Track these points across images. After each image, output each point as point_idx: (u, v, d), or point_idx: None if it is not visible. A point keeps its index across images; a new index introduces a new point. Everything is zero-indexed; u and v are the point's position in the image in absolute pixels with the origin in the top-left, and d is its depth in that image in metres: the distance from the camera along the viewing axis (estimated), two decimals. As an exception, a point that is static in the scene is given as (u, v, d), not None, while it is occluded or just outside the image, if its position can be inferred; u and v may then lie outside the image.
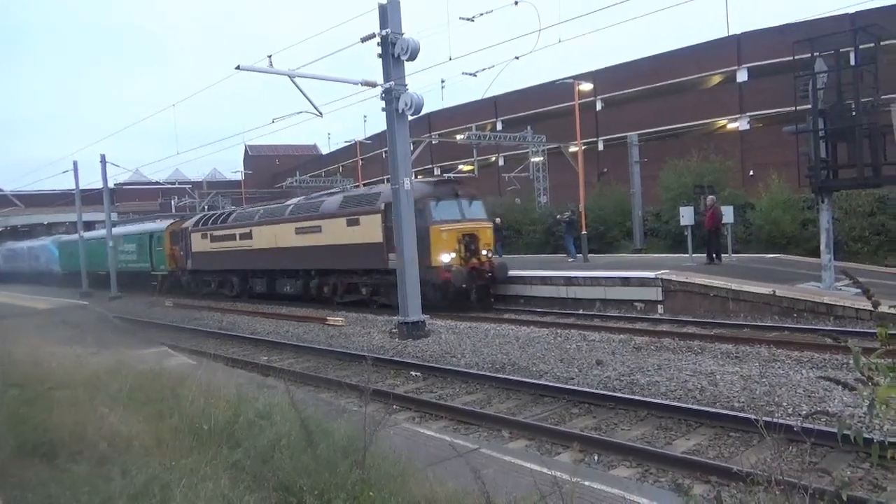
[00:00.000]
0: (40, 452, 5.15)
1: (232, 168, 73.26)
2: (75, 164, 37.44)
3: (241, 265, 26.23)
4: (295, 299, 23.79)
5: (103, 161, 34.06)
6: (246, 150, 79.26)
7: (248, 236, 25.35)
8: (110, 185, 37.01)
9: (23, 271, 52.91)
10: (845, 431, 2.17)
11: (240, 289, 26.99)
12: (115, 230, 37.10)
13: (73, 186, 38.24)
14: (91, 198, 43.22)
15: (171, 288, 32.13)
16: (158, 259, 32.93)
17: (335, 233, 20.88)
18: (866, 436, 2.16)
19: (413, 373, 11.55)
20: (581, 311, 16.99)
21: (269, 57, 14.89)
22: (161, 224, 34.81)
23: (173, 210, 54.67)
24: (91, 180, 41.91)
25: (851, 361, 2.14)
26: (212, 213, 31.23)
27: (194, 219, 31.16)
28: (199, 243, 28.70)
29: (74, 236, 41.44)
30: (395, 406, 9.33)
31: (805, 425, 5.91)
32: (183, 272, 30.69)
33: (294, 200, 25.30)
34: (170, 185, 58.37)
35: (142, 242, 34.57)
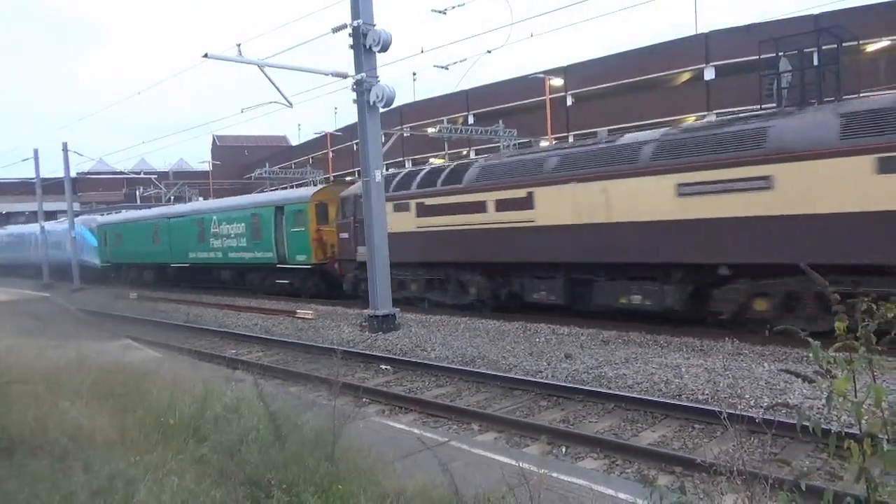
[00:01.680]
0: (-2, 448, 5.01)
1: (199, 158, 72.08)
2: (35, 151, 36.46)
3: (499, 254, 15.13)
4: (655, 321, 13.10)
5: (65, 149, 33.20)
6: (214, 141, 78.02)
7: (524, 204, 14.47)
8: (73, 174, 36.10)
9: (31, 263, 42.89)
10: (804, 423, 2.22)
11: (486, 294, 16.12)
12: (201, 205, 30.64)
13: (34, 175, 37.19)
14: (52, 187, 41.96)
15: (320, 291, 21.66)
16: (295, 245, 21.77)
17: (822, 190, 10.22)
18: (824, 427, 2.22)
19: (383, 366, 11.53)
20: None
21: (238, 46, 14.67)
22: (297, 193, 23.84)
23: (138, 201, 53.48)
24: (52, 169, 40.63)
25: (811, 355, 2.19)
26: (416, 170, 18.69)
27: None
28: (394, 220, 16.83)
29: (123, 216, 35.92)
30: (364, 399, 9.28)
31: (766, 417, 6.06)
32: (344, 266, 19.75)
33: (645, 135, 13.53)
34: (135, 175, 57.12)
35: (258, 221, 23.58)
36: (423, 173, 17.66)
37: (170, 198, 49.93)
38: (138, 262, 32.32)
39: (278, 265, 22.78)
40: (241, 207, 25.09)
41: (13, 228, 50.75)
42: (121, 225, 33.86)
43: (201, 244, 26.72)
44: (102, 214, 40.47)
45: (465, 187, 15.91)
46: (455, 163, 18.23)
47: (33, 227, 43.34)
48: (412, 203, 17.16)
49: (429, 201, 16.77)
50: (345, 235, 19.18)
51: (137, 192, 57.16)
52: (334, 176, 50.86)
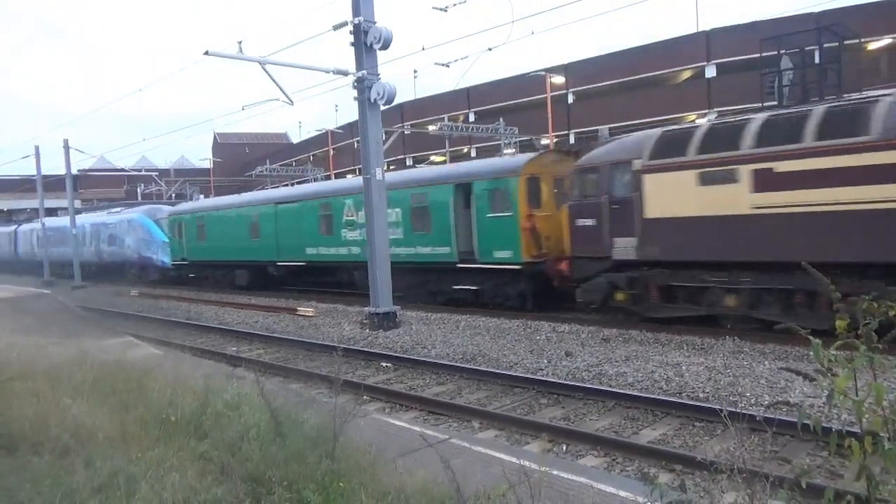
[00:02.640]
0: (-1, 444, 5.02)
1: (200, 156, 72.00)
2: (37, 148, 36.47)
3: None
4: None
5: (66, 146, 33.19)
6: (215, 138, 77.97)
7: None
8: (74, 171, 36.08)
9: (84, 260, 35.49)
10: (805, 421, 2.22)
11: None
12: (327, 186, 25.70)
13: (35, 172, 37.19)
14: (53, 184, 41.89)
15: (523, 302, 15.76)
16: (492, 237, 15.80)
17: None
18: (825, 425, 2.22)
19: (384, 364, 11.54)
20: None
21: (240, 43, 14.66)
22: (493, 165, 17.47)
23: (139, 198, 53.47)
24: (54, 166, 40.51)
25: (812, 353, 2.19)
26: (739, 121, 11.94)
27: (646, 142, 12.73)
28: (697, 196, 11.69)
29: (207, 203, 30.76)
30: (365, 397, 9.30)
31: (767, 415, 6.05)
32: (579, 266, 13.76)
33: None
34: (136, 172, 57.12)
35: (425, 204, 17.50)
36: (761, 123, 11.38)
37: (171, 195, 49.95)
38: (227, 261, 25.73)
39: (460, 264, 16.61)
40: (395, 186, 17.43)
41: (51, 221, 41.86)
42: (204, 215, 27.25)
43: (327, 237, 20.65)
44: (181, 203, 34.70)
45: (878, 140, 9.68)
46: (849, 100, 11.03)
47: (81, 219, 37.47)
48: (742, 171, 11.00)
49: (783, 166, 10.63)
50: (587, 222, 13.30)
51: (139, 190, 57.21)
52: (336, 173, 50.88)
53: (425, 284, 17.91)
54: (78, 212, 37.56)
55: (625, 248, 12.60)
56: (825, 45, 12.82)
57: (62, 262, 37.99)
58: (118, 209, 37.86)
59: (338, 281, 21.98)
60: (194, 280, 28.66)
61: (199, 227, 27.25)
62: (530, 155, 17.03)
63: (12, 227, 49.35)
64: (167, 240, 29.61)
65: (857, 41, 14.69)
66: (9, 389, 6.23)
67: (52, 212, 44.86)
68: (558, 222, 14.66)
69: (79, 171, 51.17)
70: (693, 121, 33.79)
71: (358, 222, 19.03)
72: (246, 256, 24.70)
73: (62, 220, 40.50)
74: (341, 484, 3.90)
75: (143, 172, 57.93)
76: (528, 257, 15.11)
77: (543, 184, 15.67)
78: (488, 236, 15.93)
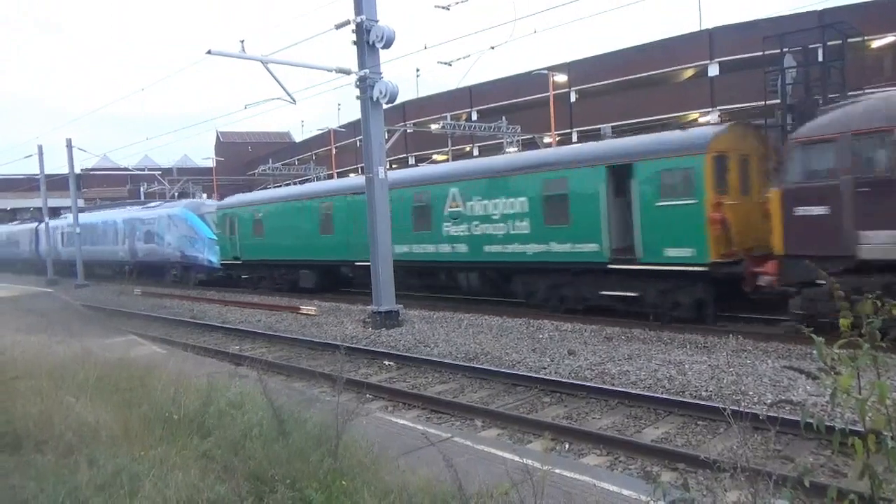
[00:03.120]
0: (3, 443, 5.04)
1: (203, 155, 72.10)
2: (40, 148, 36.53)
3: None
4: None
5: (69, 146, 33.24)
6: (217, 137, 78.07)
7: None
8: (77, 170, 36.09)
9: (117, 259, 33.60)
10: (808, 420, 2.22)
11: None
12: (424, 171, 21.26)
13: (38, 171, 37.24)
14: (56, 183, 41.95)
15: (702, 314, 12.81)
16: (664, 231, 12.78)
17: None
18: (828, 424, 2.22)
19: (386, 362, 11.54)
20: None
21: (242, 42, 14.67)
22: (663, 140, 13.62)
23: (142, 197, 53.57)
24: (57, 165, 40.54)
25: (815, 352, 2.19)
26: None
27: None
28: None
29: (264, 194, 27.75)
30: (368, 395, 9.31)
31: (770, 414, 6.04)
32: (792, 268, 10.61)
33: None
34: (139, 172, 57.20)
35: (563, 191, 14.53)
36: None
37: (174, 194, 50.03)
38: (290, 260, 22.39)
39: (612, 265, 13.62)
40: (522, 170, 15.41)
41: (80, 217, 37.77)
42: (262, 208, 23.94)
43: (422, 233, 17.40)
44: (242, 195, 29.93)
45: None
46: None
47: (112, 214, 34.89)
48: None
49: None
50: (815, 210, 10.46)
51: (141, 189, 57.30)
52: (338, 172, 50.92)
53: (557, 289, 14.98)
54: (81, 210, 37.40)
55: (883, 244, 9.70)
56: (828, 43, 12.80)
57: (93, 261, 34.79)
58: (155, 203, 34.40)
59: (431, 284, 18.64)
60: (247, 282, 25.20)
61: (256, 223, 23.86)
62: (717, 127, 14.41)
63: (33, 225, 44.37)
64: (214, 237, 26.35)
65: (860, 39, 14.66)
66: (13, 388, 6.25)
67: (55, 211, 44.77)
68: (748, 211, 12.13)
69: (82, 170, 51.29)
70: (696, 119, 33.82)
71: (466, 214, 16.27)
72: (313, 255, 21.24)
73: (91, 216, 37.60)
74: (344, 482, 3.91)
75: (145, 171, 57.98)
76: (716, 257, 11.97)
77: (732, 163, 12.59)
78: (657, 230, 12.79)
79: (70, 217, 37.11)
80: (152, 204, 34.95)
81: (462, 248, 16.59)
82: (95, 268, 35.29)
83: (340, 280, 21.84)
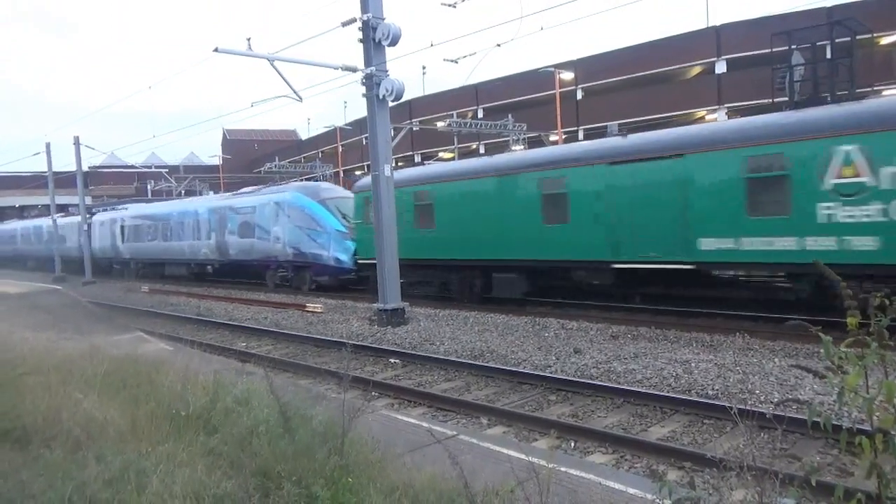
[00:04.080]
0: (12, 438, 5.08)
1: (209, 152, 72.38)
2: (48, 145, 36.69)
3: None
4: None
5: (77, 143, 33.40)
6: (224, 135, 78.27)
7: None
8: (84, 167, 36.23)
9: (191, 258, 28.29)
10: (815, 418, 2.21)
11: None
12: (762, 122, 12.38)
13: (46, 168, 37.42)
14: (64, 181, 42.11)
15: None
16: None
17: None
18: (835, 423, 2.21)
19: (392, 360, 11.56)
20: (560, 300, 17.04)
21: (248, 40, 14.71)
22: None
23: (149, 195, 53.73)
24: (64, 163, 40.60)
25: (822, 350, 2.18)
26: None
27: None
28: None
29: (426, 170, 19.97)
30: (374, 393, 9.33)
31: (777, 412, 6.04)
32: None
33: None
34: (146, 169, 57.42)
35: (793, 168, 11.00)
36: None
37: (180, 192, 50.19)
38: (481, 261, 16.42)
39: None
40: (721, 144, 12.04)
41: (144, 208, 34.40)
42: (431, 188, 17.68)
43: (767, 219, 11.43)
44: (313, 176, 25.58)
45: None
46: None
47: (191, 203, 29.83)
48: None
49: None
50: None
51: (148, 186, 57.51)
52: (344, 170, 50.97)
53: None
54: (89, 209, 37.42)
55: None
56: (837, 40, 12.72)
57: (161, 261, 30.71)
58: (250, 189, 28.21)
59: (765, 299, 13.03)
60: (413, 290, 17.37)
61: (421, 208, 17.53)
62: None
63: (108, 215, 38.27)
64: (344, 229, 20.60)
65: (869, 36, 14.56)
66: (22, 384, 6.30)
67: (63, 208, 44.87)
68: None
69: (89, 167, 51.46)
70: (703, 117, 33.70)
71: (870, 187, 10.26)
72: (526, 253, 15.07)
73: (159, 207, 33.10)
74: (350, 479, 3.91)
75: (152, 169, 58.20)
76: None
77: None
78: None
79: (131, 208, 34.36)
80: (247, 190, 28.62)
81: (868, 243, 10.34)
82: (164, 269, 30.64)
83: (564, 287, 15.84)
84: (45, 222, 42.96)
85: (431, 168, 21.24)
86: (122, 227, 33.58)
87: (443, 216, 17.19)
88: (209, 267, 27.76)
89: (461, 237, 16.70)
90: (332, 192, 23.48)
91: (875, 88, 12.01)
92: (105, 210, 38.28)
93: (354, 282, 20.69)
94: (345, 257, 20.43)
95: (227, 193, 30.45)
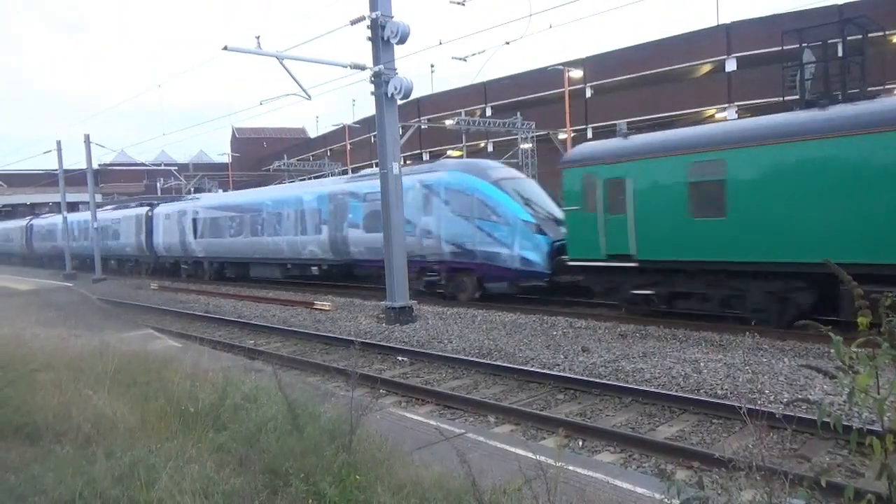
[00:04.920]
0: (23, 434, 5.12)
1: (219, 150, 72.65)
2: (58, 143, 36.91)
3: None
4: None
5: (87, 141, 33.60)
6: (233, 133, 78.57)
7: None
8: (95, 165, 36.42)
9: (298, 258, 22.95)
10: (825, 419, 2.20)
11: None
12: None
13: (56, 166, 37.66)
14: (74, 178, 42.33)
15: None
16: None
17: None
18: (846, 423, 2.20)
19: (400, 358, 11.57)
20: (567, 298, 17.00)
21: (258, 38, 14.74)
22: None
23: (159, 192, 54.04)
24: (75, 160, 40.68)
25: (832, 350, 2.17)
26: None
27: None
28: None
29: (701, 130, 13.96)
30: (381, 391, 9.33)
31: (787, 412, 6.00)
32: None
33: None
34: (155, 167, 57.77)
35: None
36: None
37: (189, 189, 50.43)
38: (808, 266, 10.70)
39: None
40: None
41: (225, 196, 30.54)
42: (716, 156, 11.97)
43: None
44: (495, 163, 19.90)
45: None
46: None
47: (296, 189, 25.17)
48: None
49: None
50: None
51: (158, 184, 57.84)
52: (352, 168, 51.06)
53: None
54: (99, 206, 37.44)
55: None
56: (848, 38, 12.62)
57: (248, 260, 25.59)
58: (371, 172, 22.25)
59: None
60: (634, 300, 13.52)
61: (702, 188, 12.19)
62: None
63: (143, 210, 33.52)
64: (532, 219, 16.02)
65: (881, 33, 14.44)
66: (33, 380, 6.35)
67: (73, 206, 45.06)
68: None
69: (99, 165, 51.74)
70: (713, 115, 33.52)
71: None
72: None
73: (240, 196, 28.77)
74: (358, 476, 3.92)
75: (162, 167, 58.56)
76: None
77: None
78: None
79: (205, 198, 29.90)
80: (367, 172, 22.68)
81: None
82: (249, 270, 25.98)
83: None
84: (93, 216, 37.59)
85: (725, 127, 15.26)
86: (195, 221, 28.14)
87: (744, 198, 11.54)
88: (315, 268, 22.58)
89: (783, 228, 11.10)
90: (504, 171, 18.39)
91: (887, 87, 11.89)
92: (169, 201, 33.47)
93: (547, 290, 16.14)
94: (535, 256, 15.43)
95: (345, 175, 24.64)
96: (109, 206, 37.04)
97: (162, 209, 31.47)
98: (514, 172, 19.16)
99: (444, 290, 17.71)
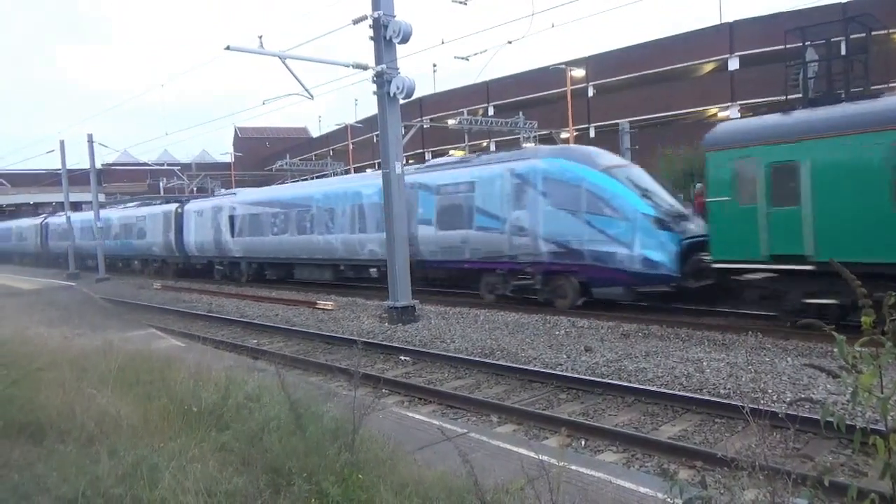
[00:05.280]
0: (27, 432, 5.14)
1: (221, 150, 72.79)
2: (62, 143, 37.01)
3: None
4: None
5: (90, 141, 33.66)
6: (236, 132, 78.67)
7: None
8: (98, 165, 36.46)
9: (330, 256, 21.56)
10: (829, 418, 2.20)
11: None
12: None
13: (59, 166, 37.73)
14: (78, 178, 42.31)
15: None
16: None
17: None
18: (849, 422, 2.19)
19: (402, 357, 11.58)
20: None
21: (260, 38, 14.77)
22: None
23: (161, 192, 54.07)
24: (78, 160, 40.73)
25: (836, 350, 2.16)
26: None
27: None
28: None
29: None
30: (384, 390, 9.34)
31: (790, 412, 5.99)
32: None
33: None
34: (158, 167, 57.85)
35: None
36: None
37: (192, 188, 50.48)
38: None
39: None
40: None
41: (267, 191, 27.75)
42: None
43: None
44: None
45: None
46: None
47: (340, 184, 22.88)
48: None
49: None
50: None
51: (161, 184, 57.92)
52: (355, 168, 51.09)
53: None
54: (102, 206, 37.45)
55: None
56: (852, 37, 12.59)
57: (290, 261, 23.47)
58: (453, 159, 21.12)
59: None
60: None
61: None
62: None
63: (171, 207, 30.99)
64: (653, 212, 13.84)
65: (885, 32, 14.39)
66: (37, 379, 6.37)
67: (76, 206, 45.08)
68: None
69: (102, 165, 51.79)
70: (715, 114, 33.47)
71: None
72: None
73: (285, 190, 26.47)
74: (360, 476, 3.93)
75: (165, 167, 58.61)
76: None
77: None
78: None
79: (242, 193, 27.44)
80: (446, 160, 20.72)
81: None
82: (294, 271, 23.79)
83: None
84: (129, 213, 35.03)
85: None
86: (233, 218, 25.99)
87: None
88: (374, 270, 19.92)
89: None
90: (610, 157, 16.15)
91: (891, 85, 11.86)
92: (200, 198, 31.36)
93: (673, 296, 13.89)
94: (660, 257, 13.29)
95: (414, 165, 21.97)
96: (133, 203, 34.89)
97: (194, 205, 29.46)
98: (620, 159, 16.99)
99: (537, 295, 15.51)
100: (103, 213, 36.48)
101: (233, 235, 26.06)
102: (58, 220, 43.60)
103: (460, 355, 11.14)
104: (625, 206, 13.84)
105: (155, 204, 34.22)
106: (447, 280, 18.74)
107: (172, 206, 30.72)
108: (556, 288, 15.23)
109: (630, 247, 13.54)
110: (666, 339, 11.39)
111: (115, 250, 35.55)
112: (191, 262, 29.81)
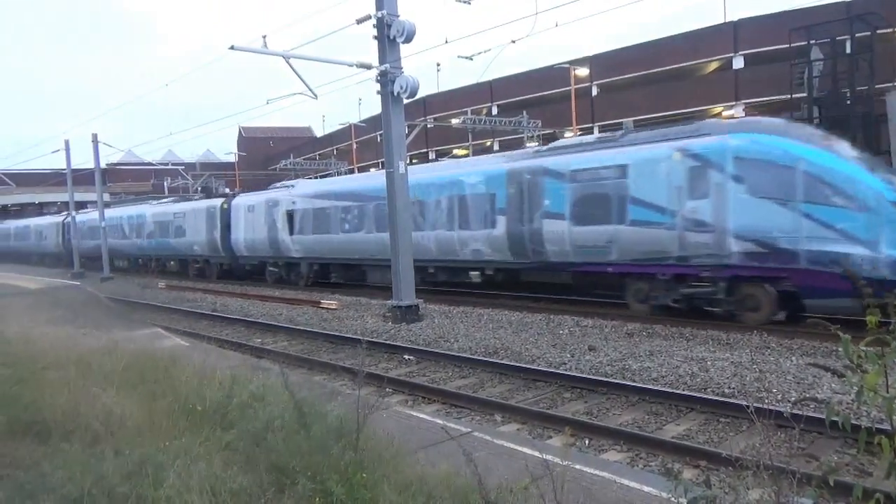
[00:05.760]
0: (33, 431, 5.16)
1: (225, 150, 72.90)
2: (67, 143, 37.09)
3: None
4: None
5: (95, 141, 33.75)
6: (240, 132, 78.85)
7: None
8: (102, 165, 36.55)
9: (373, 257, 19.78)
10: (834, 417, 2.19)
11: None
12: None
13: (65, 166, 37.85)
14: (82, 178, 42.35)
15: None
16: None
17: None
18: (854, 422, 2.19)
19: (406, 356, 11.59)
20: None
21: (264, 37, 14.78)
22: None
23: (166, 192, 54.22)
24: (82, 160, 40.78)
25: (840, 349, 2.16)
26: None
27: None
28: None
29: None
30: (388, 389, 9.34)
31: (794, 411, 5.97)
32: None
33: None
34: (162, 166, 58.00)
35: None
36: None
37: (197, 188, 50.57)
38: None
39: None
40: None
41: (334, 182, 26.19)
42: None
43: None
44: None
45: None
46: None
47: (432, 172, 19.44)
48: None
49: None
50: None
51: (165, 183, 58.08)
52: (359, 167, 51.13)
53: None
54: (106, 205, 37.47)
55: None
56: (857, 35, 12.55)
57: (362, 262, 20.91)
58: (586, 139, 16.87)
59: None
60: None
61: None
62: None
63: (216, 202, 28.27)
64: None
65: (889, 30, 14.34)
66: (43, 378, 6.39)
67: (81, 205, 45.10)
68: None
69: (107, 164, 51.98)
70: (719, 114, 33.37)
71: None
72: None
73: (355, 181, 24.19)
74: (364, 475, 3.93)
75: (169, 166, 58.77)
76: None
77: None
78: None
79: (301, 185, 24.92)
80: (573, 142, 16.61)
81: None
82: (366, 275, 21.35)
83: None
84: (172, 208, 31.72)
85: None
86: (291, 213, 23.26)
87: None
88: (476, 273, 17.31)
89: None
90: (813, 130, 13.23)
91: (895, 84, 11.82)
92: (252, 192, 28.64)
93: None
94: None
95: (531, 148, 19.11)
96: (167, 199, 32.73)
97: (243, 199, 26.75)
98: (818, 130, 13.61)
99: (716, 306, 12.61)
100: (136, 210, 35.16)
101: (291, 233, 23.28)
102: (82, 217, 40.43)
103: (464, 354, 11.14)
104: (865, 193, 10.76)
105: (194, 199, 31.71)
106: (584, 287, 15.45)
107: (218, 201, 28.06)
108: (744, 298, 12.28)
109: (873, 246, 10.53)
110: (670, 339, 11.38)
111: (150, 250, 32.97)
112: (238, 262, 27.16)
